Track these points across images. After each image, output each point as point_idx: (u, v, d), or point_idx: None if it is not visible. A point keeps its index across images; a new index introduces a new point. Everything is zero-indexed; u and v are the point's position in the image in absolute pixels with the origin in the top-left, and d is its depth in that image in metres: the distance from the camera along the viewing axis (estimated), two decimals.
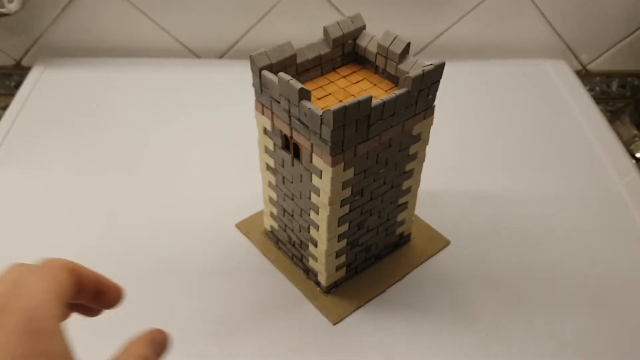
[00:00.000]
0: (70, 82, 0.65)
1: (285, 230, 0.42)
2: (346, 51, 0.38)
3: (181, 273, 0.43)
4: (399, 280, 0.42)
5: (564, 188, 0.52)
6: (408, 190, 0.40)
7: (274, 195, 0.41)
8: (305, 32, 0.66)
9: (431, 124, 0.37)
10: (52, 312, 0.23)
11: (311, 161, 0.34)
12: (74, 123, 0.59)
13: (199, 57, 0.70)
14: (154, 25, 0.67)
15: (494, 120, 0.60)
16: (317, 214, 0.36)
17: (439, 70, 0.33)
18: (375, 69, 0.38)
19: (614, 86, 0.72)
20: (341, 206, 0.36)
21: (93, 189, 0.51)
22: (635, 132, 0.61)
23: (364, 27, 0.38)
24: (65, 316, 0.25)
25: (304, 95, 0.31)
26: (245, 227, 0.47)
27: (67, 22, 0.67)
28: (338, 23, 0.37)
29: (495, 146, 0.57)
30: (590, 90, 0.70)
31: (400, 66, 0.35)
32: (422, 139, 0.37)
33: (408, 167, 0.38)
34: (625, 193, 0.52)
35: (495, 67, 0.69)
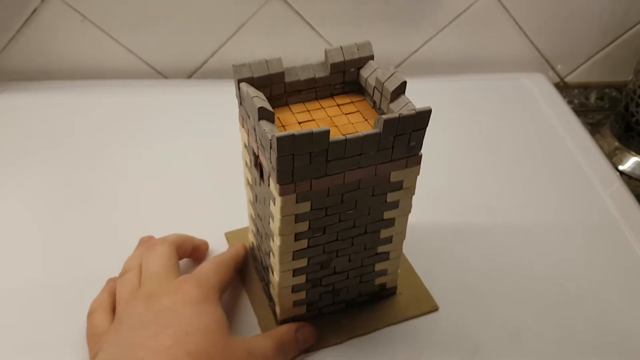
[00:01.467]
0: (29, 107, 0.61)
1: (259, 250, 0.40)
2: (347, 79, 0.35)
3: None
4: (363, 334, 0.38)
5: (551, 206, 0.50)
6: (388, 240, 0.36)
7: (252, 212, 0.39)
8: (277, 50, 0.63)
9: (417, 173, 0.33)
10: (216, 289, 0.36)
11: (269, 185, 0.32)
12: (34, 150, 0.55)
13: (165, 77, 0.68)
14: (117, 45, 0.64)
15: (474, 137, 0.59)
16: (273, 241, 0.34)
17: (422, 117, 0.30)
18: (374, 104, 0.35)
19: (592, 98, 0.72)
20: (296, 239, 0.33)
21: (57, 219, 0.47)
22: (617, 144, 0.61)
23: (371, 57, 0.35)
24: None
25: (265, 115, 0.29)
26: (233, 237, 0.46)
27: (22, 44, 0.64)
28: (341, 48, 0.34)
29: (478, 165, 0.55)
30: (569, 102, 0.69)
31: (392, 105, 0.32)
32: (404, 187, 0.33)
33: (387, 215, 0.35)
34: (611, 205, 0.50)
35: (474, 82, 0.68)
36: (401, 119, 0.29)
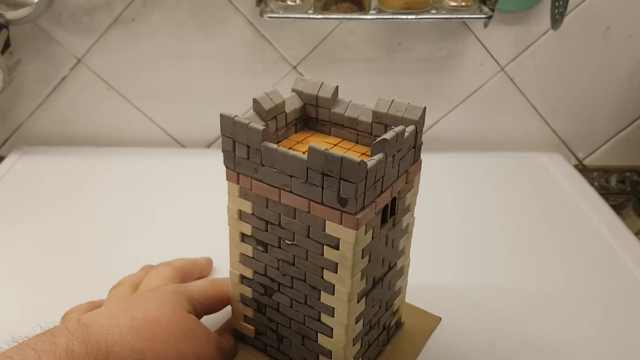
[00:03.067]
0: (51, 170, 0.61)
1: None
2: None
3: None
4: None
5: (579, 281, 0.46)
6: (330, 311, 0.31)
7: None
8: None
9: (353, 241, 0.28)
10: (186, 295, 0.35)
11: None
12: (45, 211, 0.54)
13: (184, 147, 0.68)
14: (140, 114, 0.65)
15: (493, 211, 0.56)
16: None
17: (349, 166, 0.26)
18: None
19: (613, 181, 0.71)
20: (242, 240, 0.33)
21: (67, 284, 0.44)
22: None
23: (414, 122, 0.31)
24: None
25: (256, 107, 0.31)
26: None
27: (49, 110, 0.66)
28: (392, 101, 0.32)
29: (500, 240, 0.51)
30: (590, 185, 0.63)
31: None
32: (341, 250, 0.28)
33: (327, 276, 0.30)
34: None
35: (489, 159, 0.66)
36: (326, 155, 0.26)
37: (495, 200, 0.58)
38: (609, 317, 0.43)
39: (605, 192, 0.70)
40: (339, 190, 0.27)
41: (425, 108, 0.32)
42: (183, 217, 0.53)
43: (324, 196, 0.28)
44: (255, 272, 0.34)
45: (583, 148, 0.70)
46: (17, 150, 0.65)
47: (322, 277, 0.31)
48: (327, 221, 0.29)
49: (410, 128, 0.31)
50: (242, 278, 0.35)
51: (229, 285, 0.37)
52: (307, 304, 0.33)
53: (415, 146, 0.32)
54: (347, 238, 0.29)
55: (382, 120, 0.33)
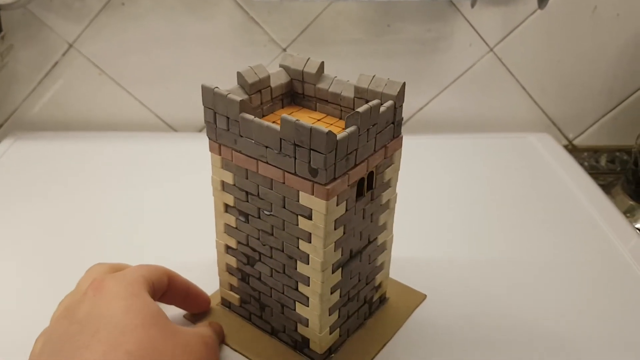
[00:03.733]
0: (43, 155, 0.61)
1: None
2: None
3: None
4: None
5: (567, 263, 0.46)
6: (306, 280, 0.32)
7: None
8: None
9: (324, 212, 0.29)
10: (141, 284, 0.32)
11: None
12: (39, 196, 0.54)
13: (176, 131, 0.68)
14: (131, 98, 0.65)
15: (483, 194, 0.56)
16: None
17: (317, 137, 0.26)
18: None
19: (603, 161, 0.72)
20: (226, 210, 0.34)
21: (60, 268, 0.44)
22: (631, 202, 0.61)
23: (393, 97, 0.31)
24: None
25: (240, 81, 0.32)
26: None
27: (42, 96, 0.66)
28: (373, 77, 0.32)
29: (488, 221, 0.51)
30: (579, 165, 0.63)
31: None
32: (313, 220, 0.29)
33: (302, 246, 0.31)
34: (632, 261, 0.46)
35: (479, 140, 0.66)
36: (296, 126, 0.27)
37: (485, 180, 0.58)
38: (597, 295, 0.43)
39: (595, 172, 0.70)
40: (310, 161, 0.28)
41: (404, 83, 0.32)
42: (175, 199, 0.53)
43: (297, 167, 0.29)
44: (238, 242, 0.35)
45: (573, 128, 0.70)
46: (11, 136, 0.65)
47: (298, 247, 0.32)
48: (300, 192, 0.30)
49: (389, 103, 0.32)
50: (227, 248, 0.36)
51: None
52: (286, 273, 0.34)
53: (394, 122, 0.33)
54: (318, 208, 0.29)
55: (364, 96, 0.33)
